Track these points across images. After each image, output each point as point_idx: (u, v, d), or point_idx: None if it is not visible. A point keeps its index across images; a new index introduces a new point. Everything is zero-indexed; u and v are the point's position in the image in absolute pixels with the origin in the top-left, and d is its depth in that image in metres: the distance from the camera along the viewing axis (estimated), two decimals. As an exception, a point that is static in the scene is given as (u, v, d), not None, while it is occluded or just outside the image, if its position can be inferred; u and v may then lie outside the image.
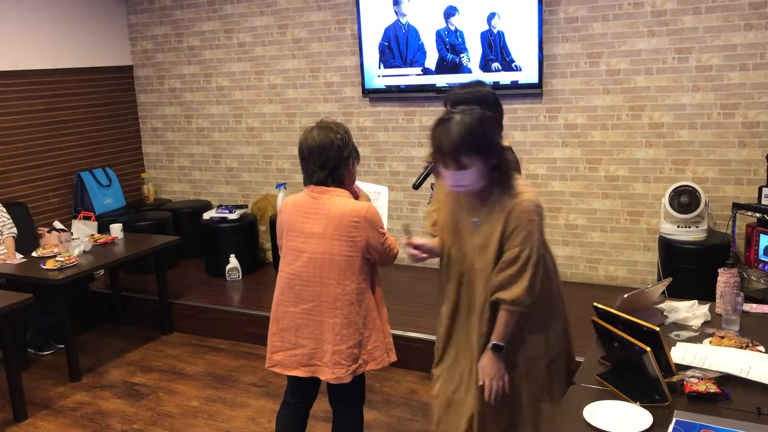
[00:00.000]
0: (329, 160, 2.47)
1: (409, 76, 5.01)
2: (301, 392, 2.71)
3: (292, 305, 2.54)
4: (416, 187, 3.02)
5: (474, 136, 2.10)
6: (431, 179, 3.01)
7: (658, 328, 2.04)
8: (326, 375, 2.51)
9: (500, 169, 2.20)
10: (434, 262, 5.68)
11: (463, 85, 2.81)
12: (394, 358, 2.62)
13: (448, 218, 2.39)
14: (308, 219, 2.49)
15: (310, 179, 2.52)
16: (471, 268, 2.31)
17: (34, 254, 4.28)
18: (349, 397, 2.66)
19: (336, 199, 2.48)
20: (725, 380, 2.08)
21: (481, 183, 2.20)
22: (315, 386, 2.70)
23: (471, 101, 2.66)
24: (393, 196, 5.36)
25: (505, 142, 2.72)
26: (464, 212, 2.32)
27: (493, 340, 2.25)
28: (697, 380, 2.04)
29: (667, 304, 2.70)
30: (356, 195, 2.60)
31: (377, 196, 3.21)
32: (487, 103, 2.65)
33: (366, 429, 3.35)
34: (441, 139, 2.14)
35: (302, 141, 2.52)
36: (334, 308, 2.47)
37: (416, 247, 2.37)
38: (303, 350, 2.54)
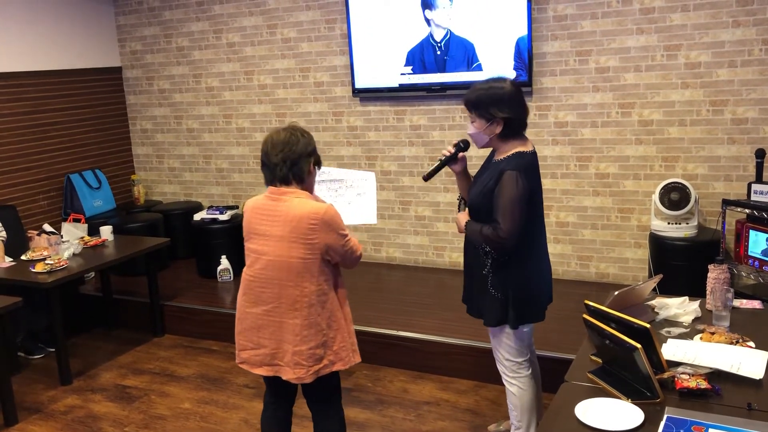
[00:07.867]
0: (293, 153, 2.45)
1: (404, 75, 5.00)
2: (276, 390, 2.72)
3: (253, 306, 2.55)
4: (426, 178, 2.87)
5: None
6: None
7: (649, 325, 2.05)
8: (288, 375, 2.52)
9: None
10: (426, 260, 5.63)
11: (481, 82, 2.69)
12: (359, 358, 2.63)
13: None
14: (266, 221, 2.49)
15: (272, 176, 2.49)
16: None
17: (23, 257, 4.25)
18: (321, 397, 2.66)
19: (295, 201, 2.45)
20: (716, 376, 2.09)
21: None
22: (291, 385, 2.70)
23: (485, 101, 2.63)
24: (384, 196, 5.35)
25: (525, 147, 2.66)
26: None
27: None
28: (687, 376, 2.05)
29: (658, 301, 2.72)
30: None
31: (364, 183, 3.14)
32: (499, 104, 2.60)
33: (359, 429, 3.36)
34: None
35: (267, 138, 2.51)
36: (293, 309, 2.47)
37: None
38: (265, 350, 2.55)
